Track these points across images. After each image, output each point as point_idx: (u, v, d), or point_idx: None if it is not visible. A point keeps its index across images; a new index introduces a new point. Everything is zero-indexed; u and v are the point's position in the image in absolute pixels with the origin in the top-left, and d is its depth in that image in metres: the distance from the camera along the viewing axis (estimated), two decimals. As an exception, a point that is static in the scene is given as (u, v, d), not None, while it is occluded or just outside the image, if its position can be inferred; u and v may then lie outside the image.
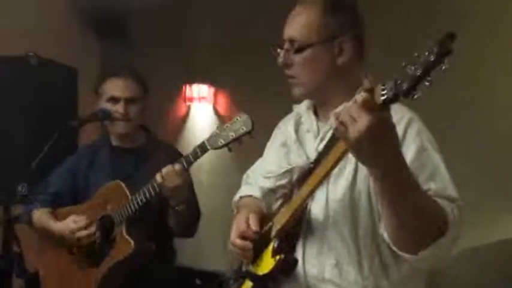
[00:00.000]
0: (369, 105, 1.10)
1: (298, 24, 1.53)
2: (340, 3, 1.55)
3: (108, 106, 2.42)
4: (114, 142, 2.53)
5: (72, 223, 2.36)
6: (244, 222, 1.58)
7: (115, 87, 2.43)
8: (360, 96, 1.11)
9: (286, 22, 1.57)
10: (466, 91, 3.07)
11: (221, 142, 1.96)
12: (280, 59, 1.56)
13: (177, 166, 2.10)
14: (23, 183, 2.07)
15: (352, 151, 1.18)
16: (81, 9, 4.43)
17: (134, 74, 2.47)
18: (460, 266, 2.35)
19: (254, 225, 1.56)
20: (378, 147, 1.13)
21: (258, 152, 1.90)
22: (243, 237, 1.56)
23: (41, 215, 2.50)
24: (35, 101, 3.04)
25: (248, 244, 1.55)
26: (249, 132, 1.91)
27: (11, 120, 2.98)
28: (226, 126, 1.95)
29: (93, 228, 2.34)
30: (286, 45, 1.55)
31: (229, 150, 1.98)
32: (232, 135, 1.93)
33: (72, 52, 3.92)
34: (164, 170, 2.11)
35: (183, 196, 2.19)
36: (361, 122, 1.10)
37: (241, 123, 1.91)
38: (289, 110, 1.80)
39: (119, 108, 2.40)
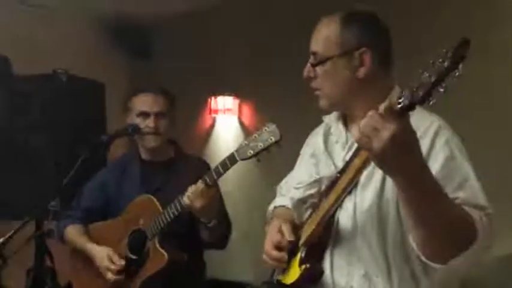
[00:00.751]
0: (389, 115, 1.11)
1: (319, 38, 1.57)
2: (359, 16, 1.57)
3: (138, 121, 2.47)
4: (144, 156, 2.58)
5: (107, 261, 2.40)
6: (277, 233, 1.59)
7: (144, 102, 2.49)
8: (382, 106, 1.13)
9: (312, 35, 1.59)
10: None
11: (250, 153, 1.98)
12: (305, 72, 1.59)
13: (199, 185, 2.12)
14: (55, 198, 2.12)
15: (376, 161, 1.18)
16: (107, 24, 4.51)
17: (162, 90, 2.55)
18: (494, 274, 2.32)
19: (288, 235, 1.57)
20: (401, 155, 1.13)
21: (285, 163, 1.91)
22: (278, 247, 1.57)
23: (74, 233, 2.55)
24: (65, 116, 3.10)
25: (284, 256, 1.56)
26: (277, 142, 1.92)
27: (42, 136, 3.04)
28: (255, 137, 1.96)
29: (120, 276, 2.37)
30: (311, 59, 1.58)
31: (258, 160, 2.00)
32: (261, 146, 1.94)
33: (99, 67, 4.00)
34: (189, 191, 2.14)
35: (213, 213, 2.21)
36: (384, 132, 1.11)
37: (269, 133, 1.93)
38: (313, 121, 1.80)
39: (149, 123, 2.46)
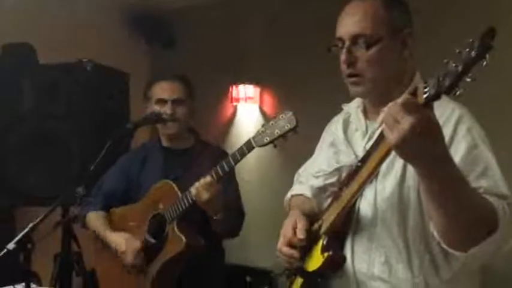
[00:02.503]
0: (411, 105, 1.11)
1: (362, 19, 1.48)
2: None
3: (157, 108, 2.51)
4: (164, 143, 2.62)
5: (124, 245, 2.46)
6: (291, 229, 1.60)
7: (162, 89, 2.54)
8: (404, 97, 1.13)
9: (342, 20, 1.53)
10: None
11: (266, 139, 2.00)
12: (343, 57, 1.51)
13: (208, 178, 2.17)
14: (82, 185, 2.16)
15: (397, 151, 1.19)
16: (130, 13, 4.54)
17: (180, 78, 2.59)
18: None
19: (301, 233, 1.56)
20: (422, 145, 1.14)
21: (305, 151, 1.93)
22: (290, 244, 1.58)
23: (94, 220, 2.61)
24: (90, 105, 3.14)
25: (295, 253, 1.57)
26: (293, 129, 1.93)
27: (68, 124, 3.09)
28: (271, 124, 1.99)
29: (139, 259, 2.42)
30: (348, 43, 1.50)
31: (275, 146, 2.02)
32: (277, 132, 1.97)
33: (122, 56, 4.03)
34: (196, 184, 2.19)
35: (217, 207, 2.25)
36: (404, 123, 1.11)
37: (285, 120, 1.94)
38: (335, 108, 1.81)
39: (166, 110, 2.51)
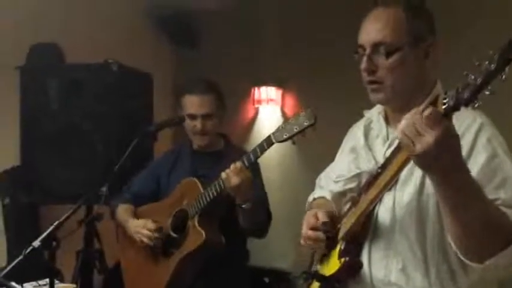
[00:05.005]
0: (435, 118, 1.11)
1: (384, 27, 1.49)
2: (420, 8, 1.54)
3: (187, 121, 2.56)
4: (195, 146, 2.67)
5: (140, 228, 2.52)
6: (313, 216, 1.61)
7: (192, 104, 2.56)
8: (425, 109, 1.13)
9: (364, 27, 1.54)
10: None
11: (285, 135, 2.04)
12: (363, 65, 1.52)
13: (238, 164, 2.20)
14: (106, 184, 2.21)
15: (417, 162, 1.20)
16: (153, 14, 4.59)
17: (209, 89, 2.58)
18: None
19: (322, 217, 1.58)
20: (442, 158, 1.14)
21: (327, 153, 1.94)
22: (313, 228, 1.59)
23: (122, 212, 2.67)
24: (115, 106, 3.19)
25: (320, 234, 1.57)
26: (312, 125, 1.97)
27: (93, 123, 3.15)
28: (291, 121, 2.04)
29: (156, 233, 2.49)
30: (369, 50, 1.51)
31: (293, 142, 2.06)
32: (296, 129, 2.01)
33: (145, 56, 4.08)
34: (226, 170, 2.22)
35: (247, 194, 2.27)
36: (428, 136, 1.11)
37: (304, 117, 1.99)
38: (356, 110, 1.81)
39: (196, 124, 2.54)
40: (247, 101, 4.57)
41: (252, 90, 4.47)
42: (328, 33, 3.90)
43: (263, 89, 4.41)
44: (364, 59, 1.52)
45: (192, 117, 2.55)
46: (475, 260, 1.31)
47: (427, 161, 1.16)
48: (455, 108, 1.10)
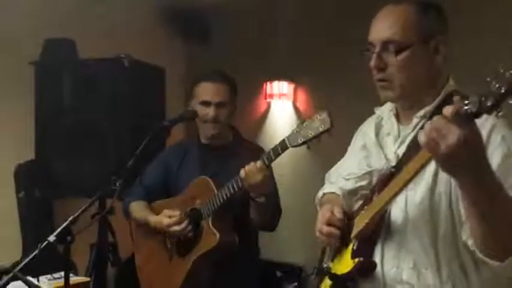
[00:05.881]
0: (456, 120, 1.11)
1: (393, 25, 1.49)
2: (430, 5, 1.53)
3: (200, 108, 2.55)
4: (204, 140, 2.67)
5: (166, 219, 2.51)
6: (328, 211, 1.61)
7: (206, 91, 2.55)
8: (449, 110, 1.12)
9: (374, 25, 1.54)
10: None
11: (300, 140, 2.02)
12: (373, 62, 1.52)
13: (259, 163, 2.20)
14: (119, 179, 2.22)
15: (442, 165, 1.19)
16: (165, 10, 4.60)
17: (225, 79, 2.59)
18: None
19: (338, 213, 1.58)
20: (467, 159, 1.14)
21: (338, 149, 1.94)
22: (329, 224, 1.59)
23: (138, 209, 2.68)
24: (128, 100, 3.21)
25: (334, 230, 1.57)
26: (327, 131, 1.94)
27: (106, 118, 3.17)
28: (306, 125, 2.00)
29: (184, 224, 2.48)
30: (378, 48, 1.51)
31: (308, 147, 2.04)
32: (311, 134, 1.98)
33: (157, 51, 4.10)
34: (247, 167, 2.21)
35: (265, 190, 2.28)
36: (452, 137, 1.11)
37: (320, 121, 1.95)
38: (368, 106, 1.80)
39: (209, 112, 2.53)
40: (259, 95, 4.57)
41: (264, 84, 4.47)
42: (340, 29, 3.89)
43: (275, 83, 4.40)
44: (374, 56, 1.52)
45: (206, 104, 2.54)
46: (496, 258, 1.32)
47: (453, 162, 1.16)
48: (477, 115, 1.10)
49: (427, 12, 1.50)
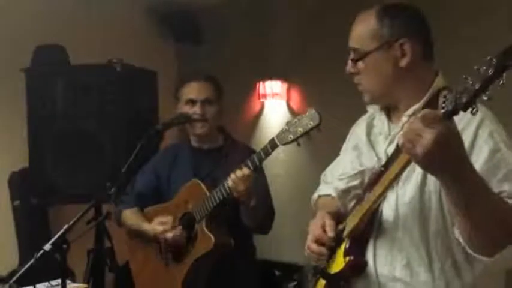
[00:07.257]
0: (431, 120, 1.13)
1: (356, 34, 1.58)
2: (395, 8, 1.57)
3: (186, 108, 2.56)
4: (194, 143, 2.67)
5: (159, 226, 2.51)
6: (320, 227, 1.63)
7: (191, 90, 2.57)
8: (425, 111, 1.14)
9: (350, 31, 1.60)
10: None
11: (290, 137, 2.04)
12: (347, 68, 1.61)
13: (245, 170, 2.21)
14: (113, 184, 2.22)
15: (420, 165, 1.21)
16: (156, 10, 4.60)
17: (208, 77, 2.61)
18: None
19: (330, 231, 1.60)
20: (445, 157, 1.16)
21: (332, 147, 1.94)
22: (319, 242, 1.61)
23: (130, 216, 2.67)
24: (120, 105, 3.21)
25: (323, 250, 1.60)
26: (316, 126, 1.96)
27: (100, 123, 3.17)
28: (295, 122, 2.02)
29: (177, 231, 2.49)
30: (351, 55, 1.59)
31: (298, 144, 2.06)
32: (300, 131, 2.00)
33: (149, 54, 4.09)
34: (233, 176, 2.23)
35: (252, 194, 2.29)
36: (426, 137, 1.13)
37: (309, 118, 1.98)
38: (362, 106, 1.80)
39: (196, 110, 2.54)
40: (252, 95, 4.58)
41: (257, 84, 4.47)
42: (334, 27, 3.88)
43: (268, 83, 4.41)
44: (348, 62, 1.60)
45: (192, 102, 2.56)
46: (485, 255, 1.34)
47: (430, 161, 1.17)
48: (454, 112, 1.11)
49: (387, 18, 1.53)
